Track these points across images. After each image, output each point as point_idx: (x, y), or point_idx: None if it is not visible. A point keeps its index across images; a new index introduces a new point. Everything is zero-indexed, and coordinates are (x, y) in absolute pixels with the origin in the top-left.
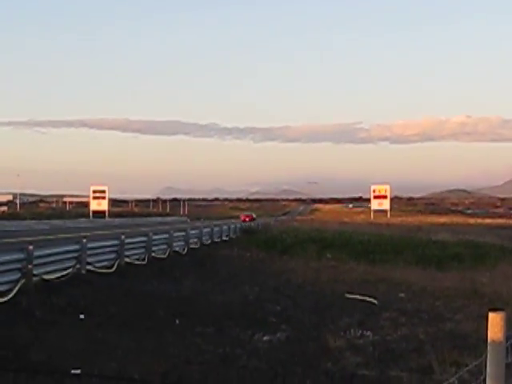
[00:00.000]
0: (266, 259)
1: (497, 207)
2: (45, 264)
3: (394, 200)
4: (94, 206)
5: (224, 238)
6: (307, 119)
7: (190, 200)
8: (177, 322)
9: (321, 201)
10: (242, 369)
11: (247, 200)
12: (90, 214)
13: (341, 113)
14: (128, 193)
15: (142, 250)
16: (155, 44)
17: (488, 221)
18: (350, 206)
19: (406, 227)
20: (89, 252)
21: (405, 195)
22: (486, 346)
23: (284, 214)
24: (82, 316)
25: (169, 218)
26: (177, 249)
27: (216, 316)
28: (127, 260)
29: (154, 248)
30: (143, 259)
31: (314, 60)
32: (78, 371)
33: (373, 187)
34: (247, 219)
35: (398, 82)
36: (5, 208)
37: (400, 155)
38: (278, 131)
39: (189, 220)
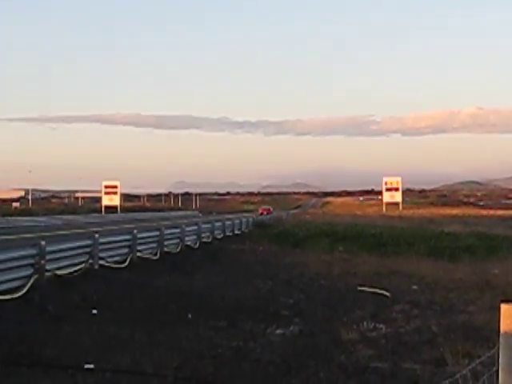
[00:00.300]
0: (278, 253)
1: (509, 198)
2: (57, 259)
3: (406, 192)
4: (106, 201)
5: (236, 232)
6: (319, 112)
7: (201, 194)
8: (189, 316)
9: (332, 194)
10: (255, 362)
11: (259, 194)
12: (102, 209)
13: (352, 105)
14: (140, 188)
15: (155, 245)
16: (166, 38)
17: (500, 212)
18: (361, 199)
19: (418, 219)
20: (101, 247)
21: (417, 187)
22: (499, 338)
23: (296, 208)
24: (94, 311)
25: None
26: (189, 243)
27: (229, 310)
28: (139, 255)
29: (166, 242)
30: (155, 254)
31: (324, 53)
32: (92, 366)
33: (385, 180)
34: (265, 212)
35: (410, 74)
36: (17, 204)
37: (412, 147)
38: (289, 124)
39: (200, 214)
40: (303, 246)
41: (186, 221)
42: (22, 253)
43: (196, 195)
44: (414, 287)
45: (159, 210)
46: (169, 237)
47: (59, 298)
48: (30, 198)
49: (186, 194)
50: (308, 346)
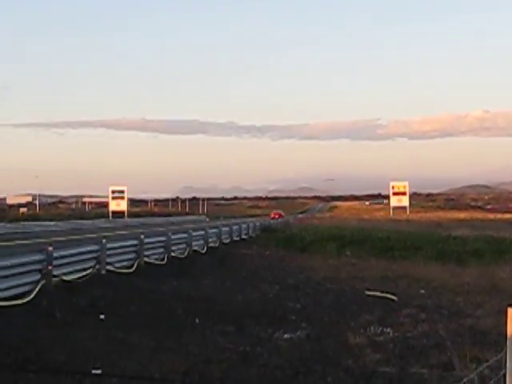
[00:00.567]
0: (285, 257)
1: None
2: (64, 265)
3: (413, 196)
4: (113, 206)
5: (243, 237)
6: (325, 116)
7: (209, 199)
8: (197, 321)
9: (339, 198)
10: (262, 367)
11: (266, 198)
12: (110, 214)
13: (358, 109)
14: (147, 193)
15: (162, 250)
16: (171, 43)
17: (508, 216)
18: (367, 203)
19: (426, 223)
20: (108, 252)
21: (424, 191)
22: (506, 342)
23: (302, 212)
24: (102, 316)
25: (181, 218)
26: (196, 248)
27: (236, 314)
28: (147, 260)
29: (173, 247)
30: (162, 259)
31: (330, 57)
32: (99, 371)
33: (392, 184)
34: (277, 216)
35: (416, 78)
36: (24, 209)
37: (419, 151)
38: (295, 129)
39: (208, 219)
40: (310, 251)
41: (193, 225)
42: (29, 258)
43: (203, 200)
44: (422, 291)
45: (166, 215)
46: (176, 242)
47: (66, 304)
48: (37, 203)
49: (194, 198)
50: (315, 351)
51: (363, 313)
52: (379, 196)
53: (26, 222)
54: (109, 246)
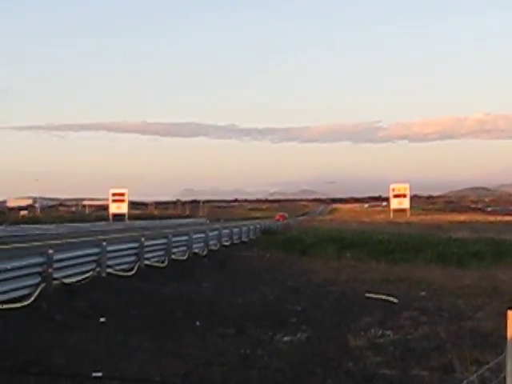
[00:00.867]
0: (285, 260)
1: None
2: (65, 267)
3: (414, 199)
4: (114, 209)
5: (244, 239)
6: (326, 119)
7: (209, 201)
8: (197, 323)
9: (340, 200)
10: (263, 369)
11: (266, 201)
12: (110, 217)
13: (359, 112)
14: (148, 195)
15: (162, 253)
16: (171, 46)
17: (508, 218)
18: (366, 206)
19: (426, 226)
20: (109, 255)
21: (424, 194)
22: (506, 344)
23: (303, 215)
24: (102, 319)
25: (182, 221)
26: (196, 250)
27: (236, 317)
28: (147, 262)
29: (173, 250)
30: (163, 261)
31: (331, 59)
32: (100, 374)
33: (392, 186)
34: (281, 219)
35: (416, 80)
36: (25, 212)
37: (419, 154)
38: (296, 131)
39: (208, 221)
40: (311, 253)
41: (193, 228)
42: (30, 261)
43: (204, 202)
44: (422, 294)
45: (167, 218)
46: (176, 244)
47: (67, 306)
48: (37, 206)
49: (194, 201)
50: (316, 353)
51: (364, 315)
52: (379, 198)
53: (26, 225)
54: (109, 248)
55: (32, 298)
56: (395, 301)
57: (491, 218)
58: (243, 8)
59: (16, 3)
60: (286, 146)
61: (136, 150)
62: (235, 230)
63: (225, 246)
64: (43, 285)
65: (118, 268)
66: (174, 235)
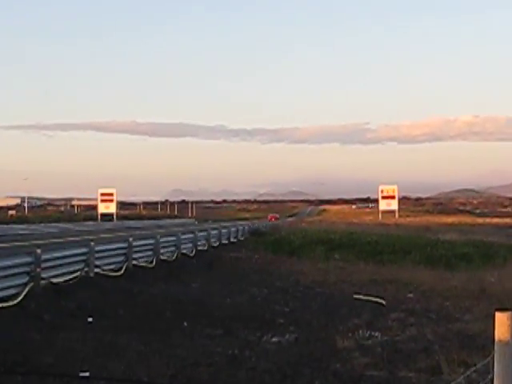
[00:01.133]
0: (274, 261)
1: (505, 206)
2: (53, 267)
3: (402, 200)
4: (102, 209)
5: (232, 240)
6: (314, 120)
7: (198, 202)
8: (185, 324)
9: (329, 202)
10: (250, 370)
11: (255, 201)
12: (99, 217)
13: (348, 113)
14: (137, 195)
15: (150, 253)
16: (161, 46)
17: (496, 220)
18: (353, 207)
19: (415, 227)
20: (97, 255)
21: (413, 195)
22: (494, 346)
23: (292, 216)
24: (90, 319)
25: (170, 221)
26: (185, 251)
27: (224, 318)
28: (135, 263)
29: (162, 250)
30: (151, 262)
31: (320, 61)
32: (87, 374)
33: (381, 187)
34: (273, 219)
35: (405, 82)
36: (13, 211)
37: (408, 155)
38: (285, 132)
39: (196, 222)
40: (299, 254)
41: (181, 229)
42: (18, 261)
43: (192, 203)
44: (410, 295)
45: (156, 218)
46: (164, 245)
47: (55, 306)
48: (25, 205)
49: (183, 201)
50: (303, 354)
51: (352, 316)
52: (368, 200)
53: (14, 225)
54: (97, 248)
55: (20, 298)
56: (383, 302)
57: (479, 220)
58: (232, 9)
59: (4, 4)
60: (274, 147)
61: (125, 150)
62: (224, 230)
63: (213, 246)
64: (31, 284)
65: (106, 268)
66: (163, 236)
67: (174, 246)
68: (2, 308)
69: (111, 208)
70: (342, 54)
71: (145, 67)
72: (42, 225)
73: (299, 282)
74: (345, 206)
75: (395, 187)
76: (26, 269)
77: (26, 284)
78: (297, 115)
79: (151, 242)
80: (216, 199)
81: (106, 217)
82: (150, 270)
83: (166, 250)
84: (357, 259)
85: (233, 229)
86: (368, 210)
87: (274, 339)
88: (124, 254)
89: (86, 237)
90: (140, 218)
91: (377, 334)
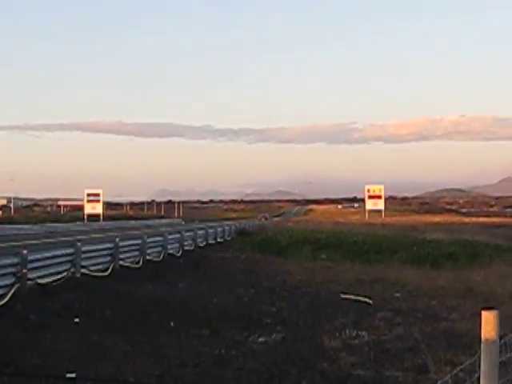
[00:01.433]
0: (260, 261)
1: (491, 206)
2: (39, 268)
3: (389, 200)
4: (89, 209)
5: (219, 240)
6: (301, 120)
7: (184, 202)
8: (172, 324)
9: (315, 201)
10: (237, 370)
11: (242, 201)
12: (85, 217)
13: (334, 113)
14: (123, 196)
15: (137, 253)
16: (147, 47)
17: (483, 219)
18: (339, 207)
19: (401, 227)
20: (83, 255)
21: (399, 195)
22: (480, 345)
23: (279, 215)
24: (76, 319)
25: (157, 221)
26: (171, 251)
27: (211, 318)
28: (122, 263)
29: (148, 251)
30: (138, 262)
31: (306, 61)
32: (73, 375)
33: (367, 187)
34: (263, 219)
35: (391, 82)
36: None
37: (394, 155)
38: (271, 132)
39: (183, 222)
40: (286, 254)
41: (168, 229)
42: (4, 262)
43: (179, 203)
44: (397, 295)
45: (143, 218)
46: (151, 245)
47: (41, 307)
48: (12, 206)
49: (169, 202)
50: (290, 354)
51: (338, 316)
52: (354, 199)
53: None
54: (84, 249)
55: (6, 299)
56: (370, 302)
57: (466, 220)
58: (218, 11)
59: None
60: (261, 147)
61: (111, 151)
62: (210, 230)
63: (200, 246)
64: (17, 285)
65: (92, 268)
66: (149, 236)
67: (161, 246)
68: None
69: (98, 208)
70: (328, 53)
71: (130, 68)
72: (28, 225)
73: (286, 281)
74: (331, 206)
75: (382, 187)
76: (12, 270)
77: (12, 285)
78: (283, 115)
79: (138, 242)
80: (203, 199)
81: (93, 217)
82: (136, 270)
83: (152, 250)
84: (343, 259)
85: (219, 229)
86: (353, 209)
87: (260, 339)
88: (110, 254)
89: (73, 237)
90: (128, 218)
91: (364, 333)
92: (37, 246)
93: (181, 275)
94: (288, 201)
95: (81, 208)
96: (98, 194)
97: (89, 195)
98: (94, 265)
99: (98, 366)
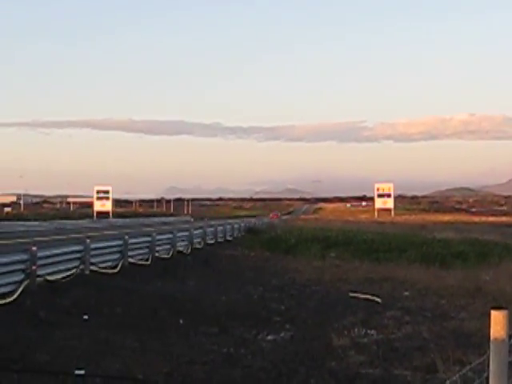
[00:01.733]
0: (270, 259)
1: (501, 205)
2: (48, 265)
3: (398, 198)
4: (98, 206)
5: (228, 238)
6: (311, 118)
7: (193, 200)
8: (181, 321)
9: (325, 200)
10: (246, 368)
11: (251, 199)
12: (94, 214)
13: (345, 111)
14: (132, 193)
15: (146, 250)
16: (157, 44)
17: (492, 219)
18: (348, 205)
19: (410, 226)
20: (92, 252)
21: (409, 194)
22: (489, 345)
23: (288, 214)
24: (86, 316)
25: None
26: (181, 249)
27: (220, 316)
28: (131, 260)
29: (157, 248)
30: (147, 259)
31: (317, 59)
32: (82, 372)
33: (377, 186)
34: (275, 217)
35: (402, 81)
36: (9, 209)
37: (404, 154)
38: (281, 130)
39: (192, 220)
40: (295, 252)
41: (177, 226)
42: (13, 258)
43: (188, 201)
44: (406, 293)
45: (151, 216)
46: (160, 242)
47: (50, 304)
48: (21, 203)
49: (178, 199)
50: (299, 352)
51: (347, 315)
52: (363, 198)
53: (10, 222)
54: (93, 246)
55: (15, 295)
56: (379, 300)
57: (475, 219)
58: (230, 8)
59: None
60: (270, 145)
61: (121, 148)
62: (220, 228)
63: (209, 244)
64: (27, 282)
65: (101, 265)
66: (158, 233)
67: (170, 243)
68: None
69: (107, 206)
70: (338, 52)
71: (141, 65)
72: (38, 222)
73: (295, 280)
74: (340, 204)
75: (391, 185)
76: (22, 266)
77: (21, 281)
78: (293, 113)
79: (147, 239)
80: (212, 197)
81: (102, 214)
82: (145, 267)
83: (161, 247)
84: (352, 257)
85: (228, 227)
86: (361, 208)
87: (269, 337)
88: (120, 251)
89: (82, 234)
90: (136, 215)
91: (372, 332)
92: (46, 242)
93: (190, 273)
94: (297, 199)
95: (90, 205)
96: (107, 191)
97: (98, 192)
98: (103, 262)
99: (106, 362)
